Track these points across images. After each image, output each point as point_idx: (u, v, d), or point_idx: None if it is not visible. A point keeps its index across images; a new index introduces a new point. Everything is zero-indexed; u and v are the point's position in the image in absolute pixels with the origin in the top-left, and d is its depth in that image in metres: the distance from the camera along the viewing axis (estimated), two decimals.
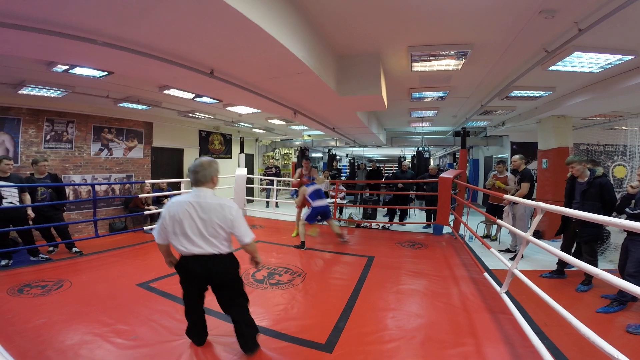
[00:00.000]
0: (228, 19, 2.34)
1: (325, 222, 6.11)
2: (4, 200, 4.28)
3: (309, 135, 12.17)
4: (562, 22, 3.09)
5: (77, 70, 4.21)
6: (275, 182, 9.00)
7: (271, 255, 5.00)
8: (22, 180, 4.62)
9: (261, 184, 11.30)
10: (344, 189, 9.03)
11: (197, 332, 2.48)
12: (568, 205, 4.00)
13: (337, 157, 13.41)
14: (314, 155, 15.77)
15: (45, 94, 5.37)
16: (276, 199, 8.91)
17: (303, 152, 10.94)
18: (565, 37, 3.23)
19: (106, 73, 4.35)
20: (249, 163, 11.49)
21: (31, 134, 5.92)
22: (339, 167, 11.03)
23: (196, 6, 2.20)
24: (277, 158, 13.94)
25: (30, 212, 4.63)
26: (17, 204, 4.40)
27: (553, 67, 3.88)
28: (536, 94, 5.44)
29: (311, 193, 5.57)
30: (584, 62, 3.84)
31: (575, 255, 3.88)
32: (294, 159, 14.40)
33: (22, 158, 5.75)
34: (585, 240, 3.81)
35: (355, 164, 14.82)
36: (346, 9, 3.11)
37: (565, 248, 4.09)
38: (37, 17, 2.39)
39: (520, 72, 4.27)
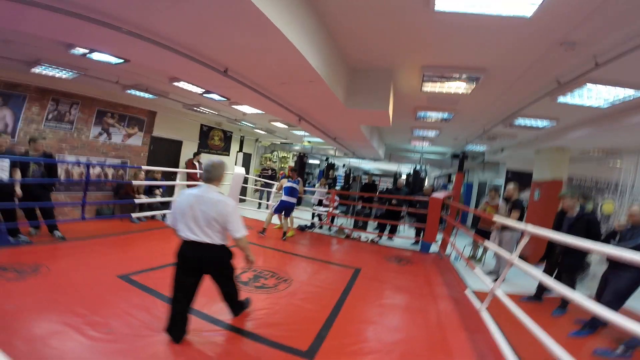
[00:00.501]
0: (252, 19, 2.36)
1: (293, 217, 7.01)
2: None
3: (309, 142, 12.21)
4: (580, 55, 3.08)
5: (95, 55, 4.22)
6: (273, 186, 8.99)
7: (258, 258, 4.96)
8: (17, 156, 4.54)
9: (255, 185, 11.26)
10: (338, 199, 9.05)
11: (177, 327, 2.47)
12: None
13: (335, 166, 13.42)
14: (311, 161, 15.77)
15: (57, 74, 5.36)
16: (269, 201, 8.88)
17: (302, 158, 10.96)
18: (581, 70, 3.23)
19: (122, 60, 4.36)
20: (246, 162, 11.45)
21: (34, 111, 5.86)
22: (334, 177, 11.03)
23: (224, 3, 2.22)
24: (274, 160, 13.94)
25: (18, 189, 4.47)
26: (6, 178, 4.31)
27: (562, 99, 3.91)
28: (540, 124, 5.48)
29: (286, 187, 6.48)
30: (593, 97, 3.84)
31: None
32: (291, 163, 14.40)
33: (20, 134, 5.66)
34: (566, 270, 3.94)
35: (351, 175, 14.85)
36: (364, 25, 3.16)
37: (546, 273, 4.15)
38: None
39: (528, 101, 4.29)
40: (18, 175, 4.45)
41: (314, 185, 12.21)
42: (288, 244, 6.18)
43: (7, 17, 2.77)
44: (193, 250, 2.46)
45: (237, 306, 2.91)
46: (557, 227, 4.13)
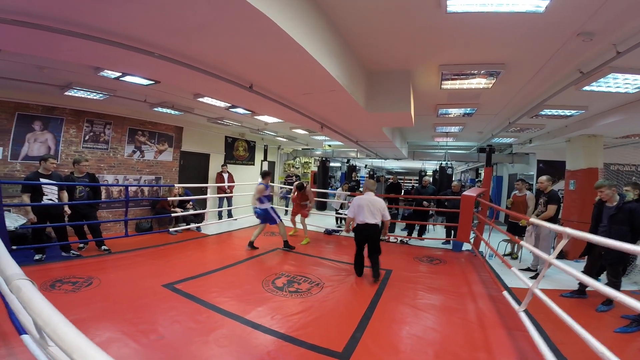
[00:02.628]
0: (274, 38, 2.51)
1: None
2: (44, 197, 4.58)
3: (329, 145, 12.30)
4: (600, 44, 3.05)
5: (128, 79, 4.52)
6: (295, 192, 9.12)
7: (290, 264, 5.10)
8: (62, 178, 4.93)
9: (280, 192, 11.47)
10: None
11: (359, 268, 4.61)
12: (594, 228, 3.96)
13: (357, 167, 13.42)
14: (332, 164, 15.83)
15: (89, 96, 5.70)
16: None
17: (324, 163, 11.07)
18: (602, 59, 3.17)
19: (153, 82, 4.64)
20: (271, 170, 11.69)
21: (72, 133, 6.29)
22: (357, 179, 11.04)
23: (248, 25, 2.37)
24: (297, 167, 14.13)
25: (67, 209, 4.90)
26: (56, 201, 4.70)
27: (587, 88, 3.82)
28: (567, 112, 5.33)
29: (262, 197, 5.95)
30: (620, 83, 3.76)
31: (599, 274, 4.02)
32: (314, 168, 14.55)
33: (62, 157, 6.11)
34: (609, 263, 3.75)
35: (374, 176, 14.78)
36: (378, 31, 3.24)
37: (589, 269, 4.02)
38: (101, 27, 2.58)
39: (552, 92, 4.21)
40: (65, 196, 4.86)
41: (336, 189, 12.25)
42: (317, 248, 6.27)
43: (45, 46, 2.99)
44: (366, 229, 4.44)
45: (378, 266, 4.48)
46: (597, 217, 3.98)
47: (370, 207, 4.42)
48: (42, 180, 4.54)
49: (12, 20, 2.31)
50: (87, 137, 6.51)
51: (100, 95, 5.63)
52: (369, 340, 2.84)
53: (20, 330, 1.78)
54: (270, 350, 2.60)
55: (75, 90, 5.35)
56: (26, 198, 4.42)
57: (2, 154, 5.38)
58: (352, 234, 4.78)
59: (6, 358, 2.19)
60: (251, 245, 5.87)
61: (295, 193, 7.07)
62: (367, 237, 4.49)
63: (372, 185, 4.73)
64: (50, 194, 4.67)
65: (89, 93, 5.52)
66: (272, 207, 5.99)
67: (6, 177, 5.31)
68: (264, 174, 6.16)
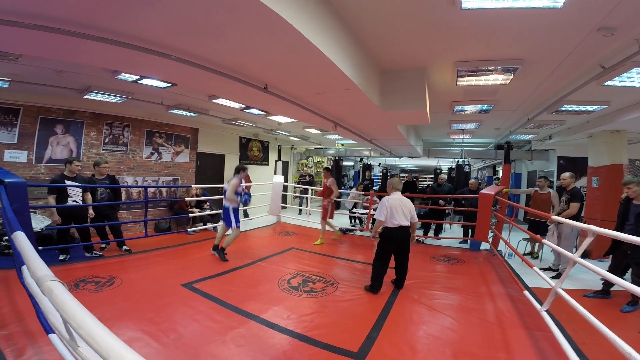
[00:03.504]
0: (289, 38, 2.52)
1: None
2: (69, 199, 4.74)
3: (342, 144, 12.28)
4: (622, 38, 2.97)
5: (145, 81, 4.62)
6: (309, 191, 9.17)
7: (305, 263, 5.12)
8: (85, 180, 5.09)
9: (294, 192, 11.54)
10: (378, 200, 8.99)
11: (380, 283, 4.02)
12: (620, 226, 3.84)
13: (372, 166, 13.34)
14: (345, 163, 15.78)
15: (107, 100, 5.85)
16: (308, 207, 9.07)
17: (337, 162, 11.07)
18: (625, 53, 3.08)
19: (170, 84, 4.74)
20: (284, 170, 11.78)
21: (92, 136, 6.49)
22: (371, 177, 10.97)
23: (263, 26, 2.39)
24: (310, 166, 14.17)
25: (91, 211, 5.05)
26: (80, 202, 4.86)
27: (609, 83, 3.69)
28: (589, 108, 5.16)
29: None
30: None
31: (623, 274, 3.86)
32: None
33: (83, 159, 6.30)
34: (636, 262, 3.61)
35: (388, 174, 14.67)
36: (391, 29, 3.21)
37: (614, 268, 3.88)
38: (119, 30, 2.64)
39: (572, 87, 4.07)
40: (89, 198, 5.01)
41: (349, 188, 12.21)
42: (332, 247, 6.28)
43: (65, 49, 3.07)
44: (400, 232, 3.99)
45: (405, 274, 4.20)
46: (623, 215, 3.84)
47: (403, 208, 4.02)
48: (67, 182, 4.69)
49: (34, 25, 2.39)
50: (106, 140, 6.70)
51: (118, 98, 5.77)
52: (385, 341, 2.84)
53: (48, 329, 1.86)
54: (286, 350, 2.63)
55: (94, 94, 5.49)
56: (52, 200, 4.58)
57: (27, 157, 5.60)
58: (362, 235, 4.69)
59: (34, 357, 2.29)
60: (215, 249, 5.21)
61: (323, 185, 6.81)
62: (402, 242, 4.07)
63: (398, 184, 4.34)
64: (75, 195, 4.82)
65: (107, 96, 5.65)
66: (234, 209, 5.14)
67: (31, 180, 5.52)
68: (236, 169, 5.27)
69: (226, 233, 5.32)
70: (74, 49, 3.05)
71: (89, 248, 5.02)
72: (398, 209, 3.98)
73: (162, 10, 2.29)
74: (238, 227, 5.15)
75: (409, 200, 4.17)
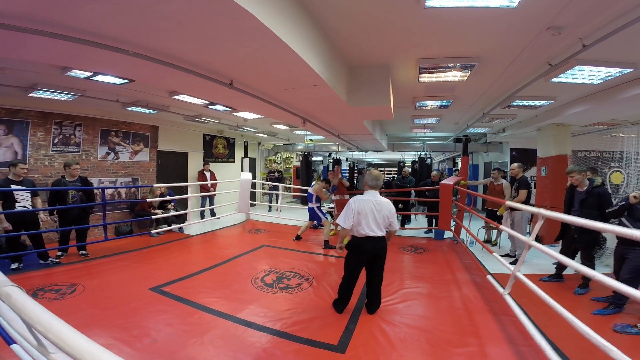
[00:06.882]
0: (254, 32, 2.44)
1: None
2: (17, 204, 4.35)
3: (310, 140, 12.29)
4: (568, 38, 3.22)
5: (99, 78, 4.31)
6: (280, 188, 9.10)
7: (278, 260, 5.10)
8: (34, 184, 4.69)
9: (263, 188, 11.39)
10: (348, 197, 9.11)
11: (345, 301, 3.34)
12: (567, 213, 4.13)
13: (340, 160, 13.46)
14: (314, 159, 15.82)
15: (56, 97, 5.41)
16: (278, 203, 9.00)
17: (307, 158, 11.07)
18: (570, 51, 3.36)
19: (127, 81, 4.45)
20: (252, 167, 11.58)
21: (39, 136, 5.97)
22: (341, 172, 11.09)
23: (228, 20, 2.31)
24: (278, 162, 14.04)
25: (42, 216, 4.69)
26: (30, 207, 4.48)
27: (555, 79, 4.02)
28: (537, 103, 5.59)
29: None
30: (585, 75, 3.99)
31: (572, 258, 4.10)
32: (296, 163, 14.51)
33: (30, 161, 5.80)
34: (583, 246, 3.99)
35: (355, 169, 14.91)
36: (358, 26, 3.25)
37: (563, 252, 4.22)
38: (71, 25, 2.43)
39: (523, 84, 4.40)
40: (39, 203, 4.64)
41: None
42: (304, 243, 6.31)
43: (7, 45, 2.80)
44: (372, 243, 3.12)
45: (379, 299, 3.42)
46: (569, 202, 4.20)
47: (376, 214, 3.09)
48: (14, 186, 4.31)
49: None
50: (56, 140, 6.20)
51: (69, 96, 5.34)
52: (362, 331, 2.92)
53: (9, 340, 1.71)
54: (266, 348, 2.62)
55: (40, 92, 5.06)
56: None
57: None
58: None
59: None
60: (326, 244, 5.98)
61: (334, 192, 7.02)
62: (374, 257, 3.15)
63: (375, 180, 3.26)
64: (23, 200, 4.45)
65: (56, 94, 5.22)
66: (318, 207, 6.45)
67: None
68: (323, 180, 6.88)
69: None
70: (19, 45, 2.78)
71: (43, 255, 4.65)
72: (368, 214, 3.08)
73: (119, 2, 2.15)
74: (327, 219, 6.30)
75: (388, 203, 3.22)
